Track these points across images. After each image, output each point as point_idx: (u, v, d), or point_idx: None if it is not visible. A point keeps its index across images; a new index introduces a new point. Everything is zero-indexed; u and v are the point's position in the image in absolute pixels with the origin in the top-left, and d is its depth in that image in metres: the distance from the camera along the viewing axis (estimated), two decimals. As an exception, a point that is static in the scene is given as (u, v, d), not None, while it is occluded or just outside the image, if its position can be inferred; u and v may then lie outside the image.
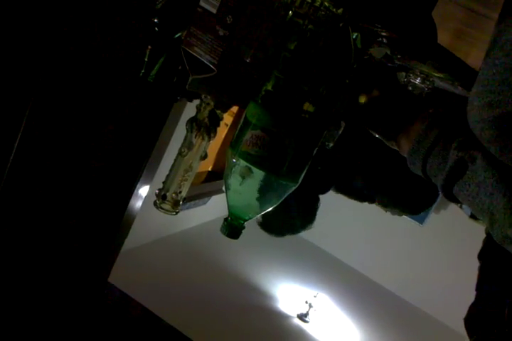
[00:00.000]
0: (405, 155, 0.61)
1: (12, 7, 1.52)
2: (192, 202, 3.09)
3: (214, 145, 3.26)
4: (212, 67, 0.60)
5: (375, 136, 0.68)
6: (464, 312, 0.62)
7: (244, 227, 0.67)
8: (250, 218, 0.67)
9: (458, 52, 0.81)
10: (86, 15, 1.63)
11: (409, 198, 1.10)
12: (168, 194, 0.95)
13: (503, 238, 0.47)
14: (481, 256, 0.60)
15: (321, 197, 1.21)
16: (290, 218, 1.11)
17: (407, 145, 0.60)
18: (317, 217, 1.16)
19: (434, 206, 3.80)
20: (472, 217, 3.12)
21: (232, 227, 0.66)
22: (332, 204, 3.75)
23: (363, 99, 0.64)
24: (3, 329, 1.80)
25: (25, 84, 1.64)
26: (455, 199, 0.54)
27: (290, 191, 0.65)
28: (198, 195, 3.11)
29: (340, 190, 1.11)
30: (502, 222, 0.46)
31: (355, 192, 1.12)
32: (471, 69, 0.69)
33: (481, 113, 0.48)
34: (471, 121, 0.50)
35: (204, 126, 0.89)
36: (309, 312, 3.11)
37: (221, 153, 3.35)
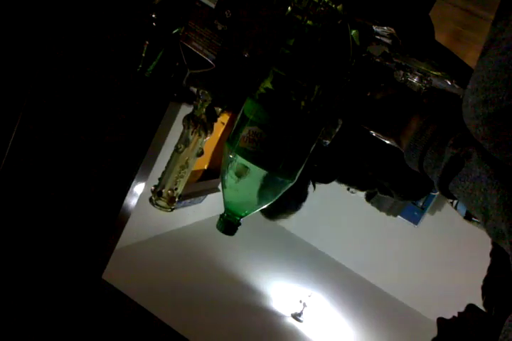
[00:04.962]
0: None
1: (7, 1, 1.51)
2: (187, 201, 3.09)
3: (210, 144, 3.26)
4: (211, 62, 0.60)
5: (371, 135, 0.68)
6: (456, 311, 0.62)
7: (240, 224, 0.66)
8: (246, 214, 0.66)
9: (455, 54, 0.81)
10: (83, 10, 1.62)
11: (409, 183, 1.11)
12: (163, 190, 0.94)
13: (496, 234, 0.48)
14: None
15: (317, 199, 1.20)
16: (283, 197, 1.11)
17: (405, 141, 0.60)
18: (313, 216, 1.16)
19: (429, 208, 3.82)
20: (467, 217, 3.13)
21: (228, 223, 0.66)
22: (327, 204, 3.77)
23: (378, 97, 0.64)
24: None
25: (20, 82, 1.63)
26: (451, 196, 0.55)
27: (286, 188, 0.64)
28: (193, 193, 3.10)
29: (343, 180, 1.11)
30: (495, 218, 0.47)
31: (356, 180, 1.12)
32: (469, 68, 0.69)
33: (476, 110, 0.48)
34: (465, 118, 0.51)
35: (201, 123, 0.89)
36: (303, 312, 3.11)
37: (217, 152, 3.35)
